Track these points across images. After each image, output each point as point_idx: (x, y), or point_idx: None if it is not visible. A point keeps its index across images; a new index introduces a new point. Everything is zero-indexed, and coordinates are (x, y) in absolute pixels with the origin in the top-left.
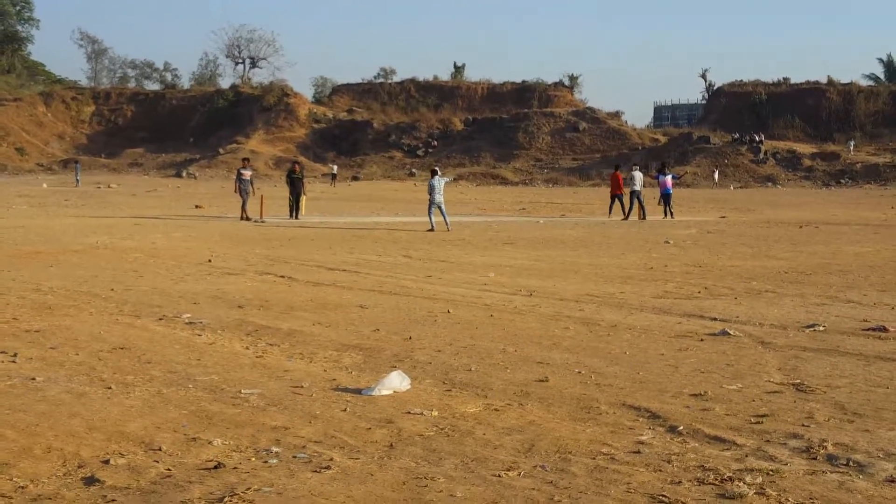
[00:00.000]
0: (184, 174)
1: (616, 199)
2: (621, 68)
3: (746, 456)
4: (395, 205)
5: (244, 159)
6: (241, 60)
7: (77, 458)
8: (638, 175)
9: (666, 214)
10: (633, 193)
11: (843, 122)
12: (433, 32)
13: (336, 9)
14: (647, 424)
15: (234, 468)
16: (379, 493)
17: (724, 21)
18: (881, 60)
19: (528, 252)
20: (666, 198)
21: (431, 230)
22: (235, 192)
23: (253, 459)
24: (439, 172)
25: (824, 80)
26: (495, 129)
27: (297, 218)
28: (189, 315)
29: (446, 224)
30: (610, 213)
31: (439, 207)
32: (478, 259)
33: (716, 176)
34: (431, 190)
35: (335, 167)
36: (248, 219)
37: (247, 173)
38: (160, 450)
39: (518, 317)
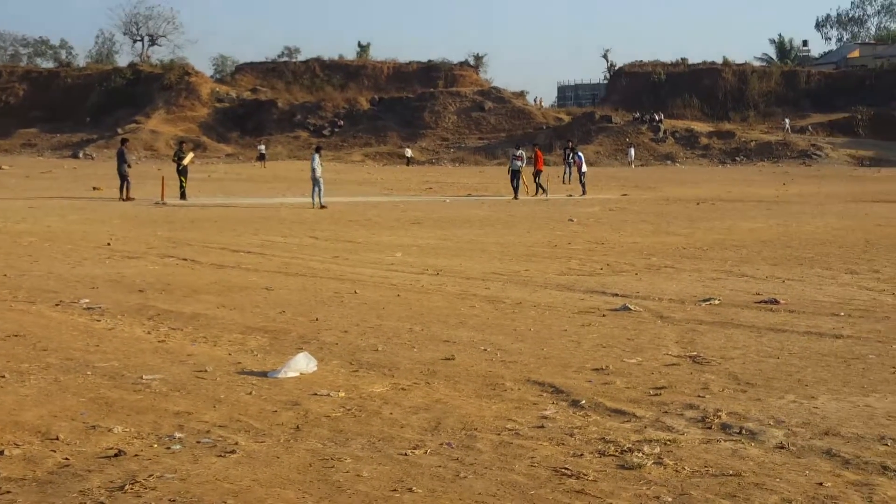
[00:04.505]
0: (80, 155)
1: (537, 176)
2: (525, 48)
3: (645, 427)
4: (301, 185)
5: (123, 140)
6: (139, 38)
7: None
8: (521, 153)
9: (583, 191)
10: (515, 173)
11: (738, 102)
12: (337, 11)
13: None
14: (551, 399)
15: (136, 455)
16: (285, 475)
17: (626, 2)
18: (773, 41)
19: (435, 231)
20: (582, 175)
21: (323, 207)
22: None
23: (155, 446)
24: (318, 151)
25: (720, 61)
26: (401, 108)
27: (183, 199)
28: (87, 300)
29: (317, 201)
30: (538, 191)
31: (316, 184)
32: (385, 239)
33: (631, 153)
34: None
35: (263, 147)
36: (129, 199)
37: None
38: (58, 439)
39: (425, 296)
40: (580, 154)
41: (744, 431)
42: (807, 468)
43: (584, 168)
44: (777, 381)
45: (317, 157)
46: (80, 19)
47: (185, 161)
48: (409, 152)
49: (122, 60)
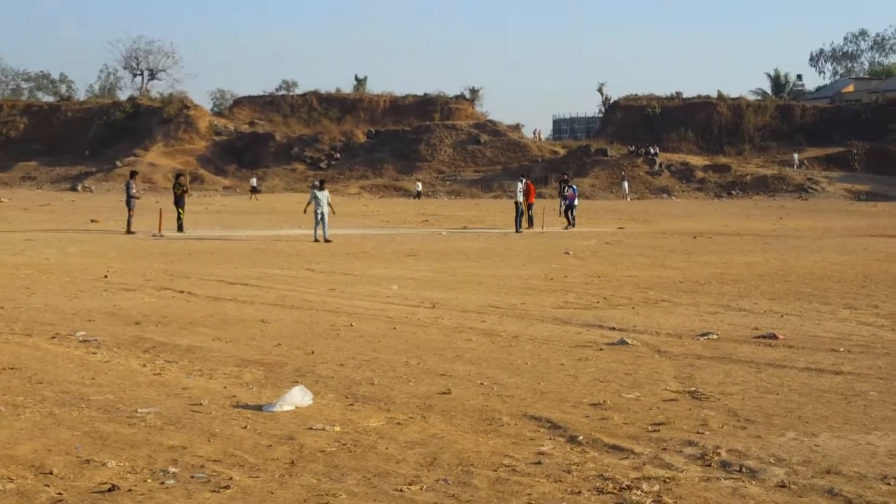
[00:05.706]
0: (79, 188)
1: (530, 209)
2: (521, 82)
3: (644, 464)
4: (298, 217)
5: (132, 172)
6: (139, 72)
7: None
8: (520, 185)
9: (570, 224)
10: (518, 205)
11: (733, 136)
12: (334, 45)
13: (236, 21)
14: (548, 434)
15: (129, 490)
16: None
17: (620, 36)
18: (768, 75)
19: (432, 264)
20: (572, 208)
21: (316, 241)
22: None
23: (149, 481)
24: (322, 186)
25: (715, 95)
26: (397, 141)
27: (180, 231)
28: (83, 333)
29: (323, 236)
30: (530, 223)
31: (320, 219)
32: (381, 271)
33: (625, 186)
34: (314, 202)
35: (255, 180)
36: (131, 233)
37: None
38: (51, 473)
39: (421, 329)
40: (574, 187)
41: (744, 469)
42: None
43: (576, 202)
44: (777, 417)
45: (315, 191)
46: (80, 54)
47: (186, 186)
48: (419, 186)
49: (123, 95)
